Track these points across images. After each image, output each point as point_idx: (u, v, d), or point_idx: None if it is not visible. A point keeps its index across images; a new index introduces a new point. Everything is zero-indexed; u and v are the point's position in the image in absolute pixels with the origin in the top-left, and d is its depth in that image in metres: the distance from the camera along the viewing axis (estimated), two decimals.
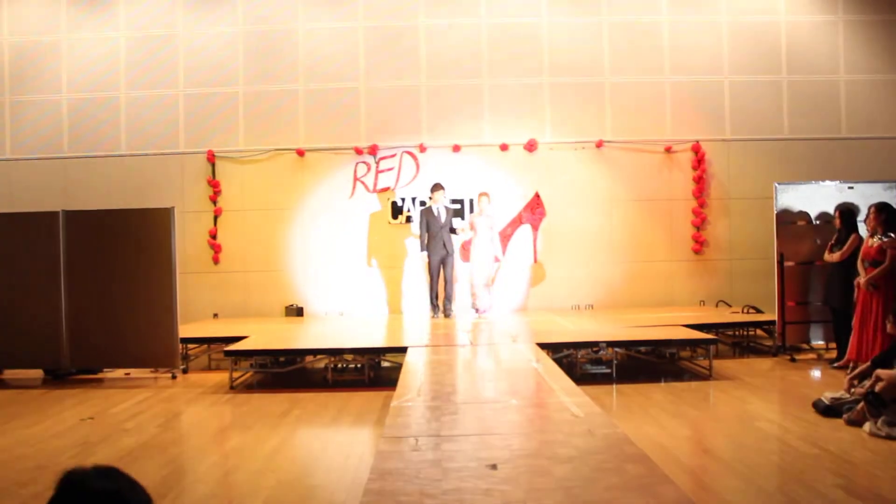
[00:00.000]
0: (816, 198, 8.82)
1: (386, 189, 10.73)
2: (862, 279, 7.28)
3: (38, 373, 8.36)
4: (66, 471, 1.58)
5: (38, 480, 4.61)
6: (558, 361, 6.92)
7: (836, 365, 7.79)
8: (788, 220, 8.76)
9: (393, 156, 10.75)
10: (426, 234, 9.90)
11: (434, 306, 10.06)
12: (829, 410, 5.67)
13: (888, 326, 6.14)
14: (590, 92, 10.83)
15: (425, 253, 9.92)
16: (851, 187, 8.81)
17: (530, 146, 10.71)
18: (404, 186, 10.73)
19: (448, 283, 9.98)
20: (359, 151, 10.73)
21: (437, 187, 9.88)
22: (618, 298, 10.69)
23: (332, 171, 10.74)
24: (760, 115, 10.85)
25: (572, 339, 7.88)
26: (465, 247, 10.68)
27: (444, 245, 9.84)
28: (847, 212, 8.19)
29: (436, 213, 9.86)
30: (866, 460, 4.65)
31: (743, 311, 9.41)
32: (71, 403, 7.01)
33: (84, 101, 10.83)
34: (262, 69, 10.81)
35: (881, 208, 7.32)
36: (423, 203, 10.50)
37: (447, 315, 9.91)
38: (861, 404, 5.35)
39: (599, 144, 10.76)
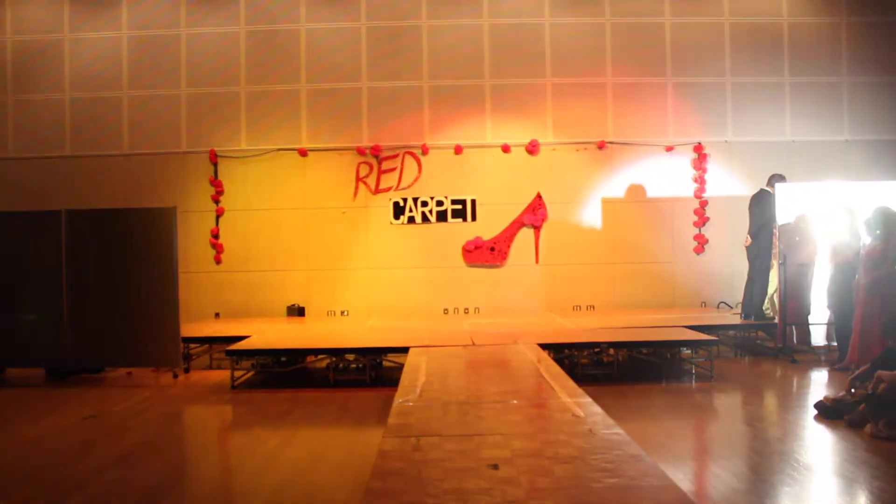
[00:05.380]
0: (818, 199, 8.81)
1: (388, 189, 10.72)
2: (863, 280, 7.29)
3: (39, 371, 8.38)
4: None
5: (38, 479, 4.62)
6: (560, 362, 6.92)
7: (837, 366, 7.79)
8: (790, 222, 8.75)
9: (395, 156, 10.75)
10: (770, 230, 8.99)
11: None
12: (830, 412, 5.67)
13: (890, 342, 6.10)
14: (592, 93, 10.83)
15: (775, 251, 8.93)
16: (854, 189, 8.80)
17: (532, 147, 10.71)
18: (406, 187, 10.73)
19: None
20: (361, 151, 10.73)
21: (780, 178, 9.02)
22: (619, 299, 10.72)
23: (335, 172, 10.75)
24: (762, 117, 10.85)
25: (574, 339, 7.87)
26: (468, 248, 10.65)
27: None
28: (848, 214, 8.19)
29: None
30: (868, 462, 4.65)
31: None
32: (73, 402, 7.02)
33: (87, 100, 10.85)
34: (265, 68, 10.83)
35: (881, 211, 7.33)
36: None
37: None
38: (862, 406, 5.35)
39: (601, 145, 10.76)
